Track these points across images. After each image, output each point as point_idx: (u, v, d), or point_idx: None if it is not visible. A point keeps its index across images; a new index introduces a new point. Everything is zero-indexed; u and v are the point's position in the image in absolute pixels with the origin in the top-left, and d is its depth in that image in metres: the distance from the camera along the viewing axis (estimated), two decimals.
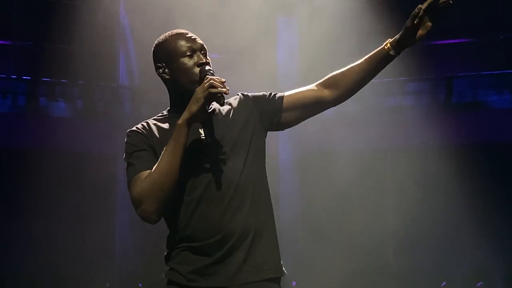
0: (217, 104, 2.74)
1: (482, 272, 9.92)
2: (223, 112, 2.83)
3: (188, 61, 2.78)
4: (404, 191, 10.05)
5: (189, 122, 2.67)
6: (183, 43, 2.80)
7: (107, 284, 10.26)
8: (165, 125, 2.80)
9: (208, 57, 2.81)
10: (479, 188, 9.76)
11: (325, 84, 2.87)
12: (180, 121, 2.66)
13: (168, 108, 2.88)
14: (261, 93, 2.91)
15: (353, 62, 2.85)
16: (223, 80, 2.67)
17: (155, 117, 2.86)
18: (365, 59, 2.83)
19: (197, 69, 2.76)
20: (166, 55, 2.81)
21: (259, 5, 9.72)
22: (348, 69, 2.84)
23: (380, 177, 10.30)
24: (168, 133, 2.74)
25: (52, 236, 10.13)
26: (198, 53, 2.80)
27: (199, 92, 2.65)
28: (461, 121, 10.42)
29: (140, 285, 10.08)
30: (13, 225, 10.16)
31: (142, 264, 10.33)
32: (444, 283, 9.54)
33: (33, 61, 10.75)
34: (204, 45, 2.82)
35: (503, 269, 10.00)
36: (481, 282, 9.46)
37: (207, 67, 2.75)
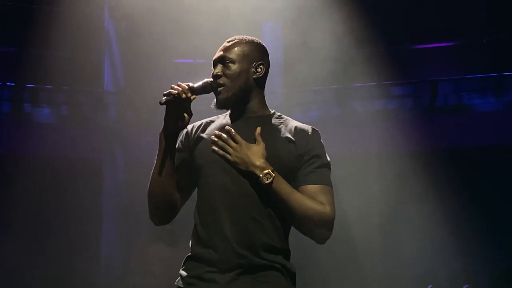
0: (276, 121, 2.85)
1: (469, 274, 9.96)
2: (273, 131, 2.87)
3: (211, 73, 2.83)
4: (389, 195, 10.08)
5: (163, 132, 2.69)
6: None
7: None
8: (213, 125, 2.84)
9: (225, 66, 2.77)
10: (465, 190, 9.81)
11: None
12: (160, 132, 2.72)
13: None
14: (318, 152, 3.13)
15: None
16: (185, 86, 2.67)
17: (219, 115, 2.90)
18: None
19: None
20: None
21: (243, 9, 9.73)
22: None
23: (365, 181, 10.31)
24: (208, 134, 2.77)
25: (36, 242, 10.06)
26: (218, 64, 2.80)
27: None
28: (445, 124, 10.48)
29: None
30: None
31: (129, 273, 10.27)
32: (430, 285, 9.57)
33: (17, 67, 10.69)
34: (226, 55, 2.78)
35: (489, 272, 10.05)
36: (467, 285, 9.49)
37: (206, 79, 2.77)
